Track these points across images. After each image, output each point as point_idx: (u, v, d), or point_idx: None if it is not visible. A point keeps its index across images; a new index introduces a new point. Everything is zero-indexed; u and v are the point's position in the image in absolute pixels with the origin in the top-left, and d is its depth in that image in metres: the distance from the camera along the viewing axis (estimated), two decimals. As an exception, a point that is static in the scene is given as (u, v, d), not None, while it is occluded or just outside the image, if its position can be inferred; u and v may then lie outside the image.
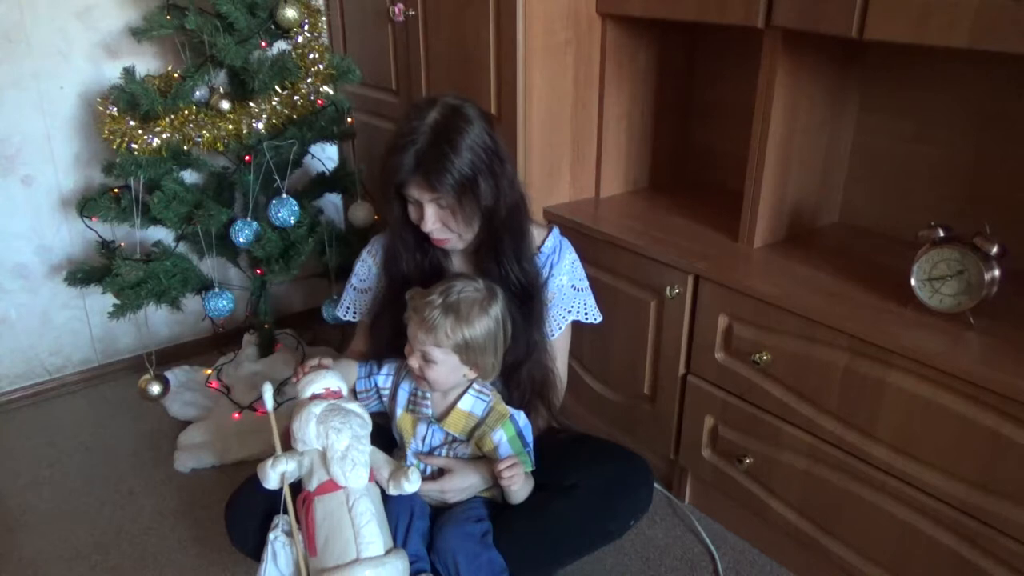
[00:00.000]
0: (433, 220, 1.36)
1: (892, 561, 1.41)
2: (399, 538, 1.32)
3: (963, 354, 1.26)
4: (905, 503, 1.36)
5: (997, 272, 1.30)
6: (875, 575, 1.44)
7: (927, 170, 1.66)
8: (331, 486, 1.24)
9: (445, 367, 1.32)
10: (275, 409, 1.30)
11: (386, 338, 1.49)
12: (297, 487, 1.29)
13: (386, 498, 1.31)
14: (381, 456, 1.32)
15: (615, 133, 1.98)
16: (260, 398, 1.27)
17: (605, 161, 1.99)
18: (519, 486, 1.34)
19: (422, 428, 1.40)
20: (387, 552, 1.24)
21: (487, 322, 1.32)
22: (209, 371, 2.22)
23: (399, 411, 1.42)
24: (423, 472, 1.41)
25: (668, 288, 1.65)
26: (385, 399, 1.45)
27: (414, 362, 1.32)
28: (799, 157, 1.68)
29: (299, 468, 1.25)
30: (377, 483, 1.30)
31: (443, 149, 1.30)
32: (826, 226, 1.83)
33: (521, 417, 1.39)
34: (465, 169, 1.31)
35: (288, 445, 1.28)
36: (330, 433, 1.23)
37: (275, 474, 1.23)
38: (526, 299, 1.43)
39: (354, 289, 1.61)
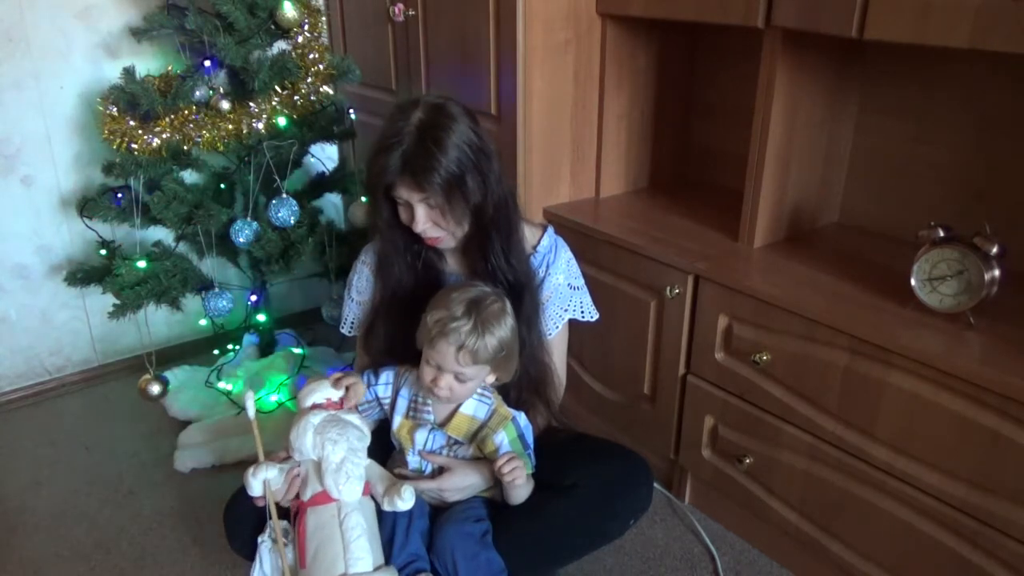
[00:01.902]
0: (424, 220, 1.36)
1: (892, 561, 1.41)
2: (399, 537, 1.32)
3: (963, 354, 1.25)
4: (905, 503, 1.36)
5: (997, 272, 1.29)
6: (875, 575, 1.44)
7: (927, 170, 1.66)
8: (324, 498, 1.24)
9: (476, 381, 1.33)
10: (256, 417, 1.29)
11: (383, 345, 1.48)
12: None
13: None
14: (377, 470, 1.31)
15: (615, 133, 1.98)
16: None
17: (605, 161, 1.99)
18: (522, 481, 1.34)
19: (422, 434, 1.39)
20: (376, 569, 1.23)
21: (511, 323, 1.33)
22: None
23: (398, 418, 1.41)
24: (423, 471, 1.41)
25: (668, 288, 1.65)
26: (386, 408, 1.45)
27: (444, 383, 1.29)
28: (799, 157, 1.67)
29: (281, 475, 1.24)
30: (372, 497, 1.30)
31: (429, 148, 1.29)
32: (826, 226, 1.83)
33: (522, 418, 1.39)
34: (452, 167, 1.30)
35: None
36: (326, 444, 1.22)
37: (256, 482, 1.22)
38: (516, 296, 1.42)
39: (355, 302, 1.58)
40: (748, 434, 1.59)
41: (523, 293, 1.44)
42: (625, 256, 1.75)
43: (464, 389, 1.32)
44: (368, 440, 1.29)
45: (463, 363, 1.28)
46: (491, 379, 1.36)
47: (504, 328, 1.31)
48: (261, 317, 2.23)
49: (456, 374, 1.29)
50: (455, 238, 1.42)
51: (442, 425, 1.38)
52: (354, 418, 1.29)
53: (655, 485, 1.79)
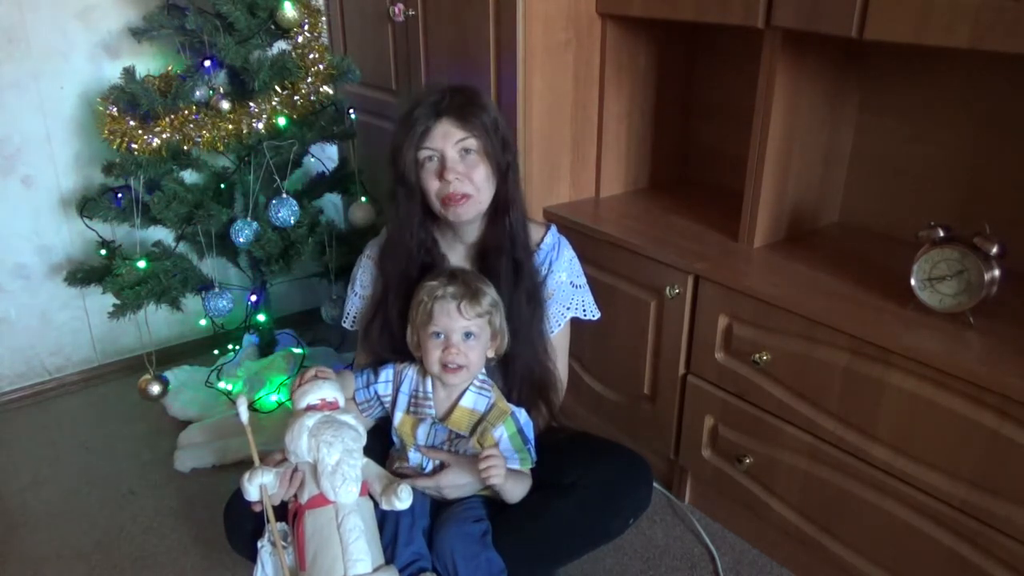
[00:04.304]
0: (457, 165, 1.37)
1: (892, 561, 1.41)
2: (403, 535, 1.32)
3: (963, 354, 1.26)
4: (905, 503, 1.36)
5: (997, 272, 1.30)
6: (875, 575, 1.44)
7: (927, 170, 1.66)
8: (321, 500, 1.24)
9: (483, 340, 1.36)
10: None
11: (384, 341, 1.48)
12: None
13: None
14: (374, 469, 1.31)
15: (615, 133, 1.98)
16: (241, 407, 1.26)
17: (605, 161, 1.99)
18: (498, 481, 1.32)
19: (423, 430, 1.40)
20: (375, 569, 1.23)
21: (493, 288, 1.40)
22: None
23: (399, 415, 1.42)
24: (423, 469, 1.41)
25: (668, 288, 1.65)
26: (387, 405, 1.45)
27: (455, 347, 1.33)
28: (799, 157, 1.68)
29: (276, 479, 1.24)
30: (370, 495, 1.30)
31: (469, 96, 1.38)
32: (826, 226, 1.83)
33: (522, 414, 1.40)
34: (493, 114, 1.39)
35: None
36: (321, 447, 1.22)
37: (252, 487, 1.22)
38: (516, 273, 1.46)
39: (358, 296, 1.58)
40: (748, 434, 1.59)
41: (522, 268, 1.47)
42: (625, 256, 1.75)
43: (476, 354, 1.35)
44: (364, 440, 1.28)
45: (467, 315, 1.32)
46: (491, 353, 1.40)
47: (489, 286, 1.38)
48: (261, 317, 2.23)
49: (465, 332, 1.33)
50: (479, 202, 1.41)
51: (443, 419, 1.38)
52: (349, 418, 1.28)
53: (655, 485, 1.79)
